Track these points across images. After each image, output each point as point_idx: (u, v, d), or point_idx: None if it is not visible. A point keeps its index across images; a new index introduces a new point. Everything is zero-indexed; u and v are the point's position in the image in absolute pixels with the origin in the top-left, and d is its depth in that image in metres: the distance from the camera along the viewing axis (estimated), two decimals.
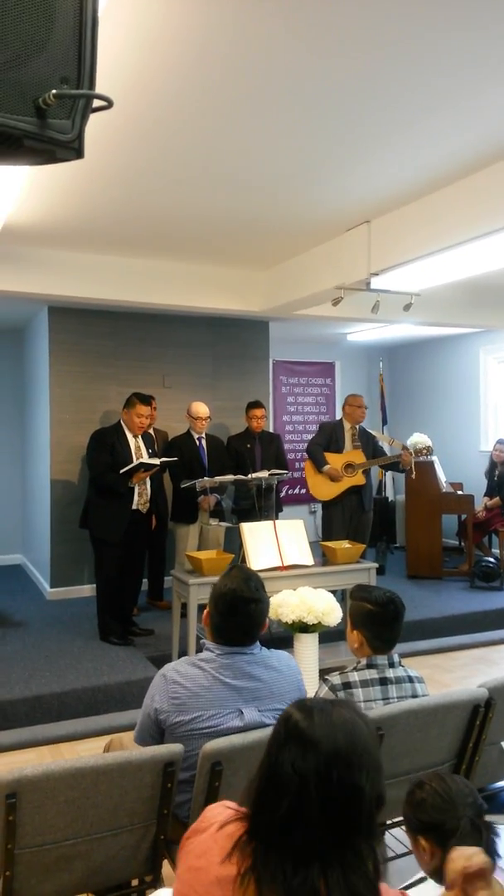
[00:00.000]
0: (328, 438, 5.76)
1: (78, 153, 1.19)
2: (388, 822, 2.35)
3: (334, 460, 5.67)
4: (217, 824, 1.17)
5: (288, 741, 1.10)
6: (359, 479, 5.64)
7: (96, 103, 1.20)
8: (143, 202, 4.12)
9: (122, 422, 4.95)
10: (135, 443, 4.91)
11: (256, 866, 1.07)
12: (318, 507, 5.86)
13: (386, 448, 5.97)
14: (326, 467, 5.63)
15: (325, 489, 5.69)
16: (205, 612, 2.16)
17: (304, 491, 6.78)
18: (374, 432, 6.09)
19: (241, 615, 2.04)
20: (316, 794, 1.05)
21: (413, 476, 5.78)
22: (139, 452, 4.89)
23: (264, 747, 1.15)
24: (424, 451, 5.64)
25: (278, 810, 1.07)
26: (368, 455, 5.70)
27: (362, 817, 1.07)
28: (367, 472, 5.73)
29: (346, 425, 5.80)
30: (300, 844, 1.05)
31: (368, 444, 5.79)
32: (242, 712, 2.00)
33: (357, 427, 5.81)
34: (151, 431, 5.66)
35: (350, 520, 5.68)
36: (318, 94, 2.83)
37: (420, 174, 3.74)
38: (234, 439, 6.02)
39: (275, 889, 1.04)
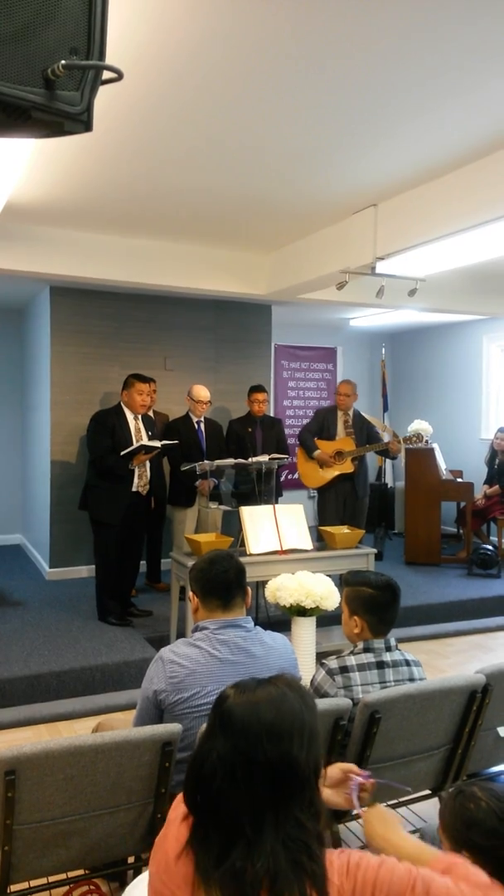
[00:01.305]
0: (320, 425, 5.79)
1: (87, 126, 1.17)
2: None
3: (325, 447, 5.69)
4: (181, 815, 1.18)
5: (218, 728, 1.13)
6: (347, 466, 5.67)
7: (106, 75, 1.18)
8: (148, 181, 4.08)
9: (122, 403, 4.94)
10: (135, 424, 4.90)
11: (192, 841, 1.11)
12: (317, 493, 5.86)
13: (380, 435, 5.99)
14: (317, 453, 5.66)
15: (314, 476, 5.71)
16: (191, 605, 2.22)
17: None
18: (370, 418, 6.11)
19: (220, 563, 2.17)
20: (242, 775, 1.08)
21: (398, 459, 5.82)
22: (139, 434, 4.88)
23: None
24: (414, 439, 5.70)
25: (209, 792, 1.09)
26: (362, 441, 5.73)
27: (298, 785, 1.09)
28: (358, 460, 5.74)
29: (339, 412, 5.84)
30: (231, 821, 1.07)
31: (363, 431, 5.82)
32: None
33: (351, 414, 5.83)
34: (151, 413, 5.66)
35: (344, 506, 5.71)
36: (328, 76, 2.79)
37: (428, 158, 3.69)
38: (236, 423, 6.02)
39: (208, 864, 1.07)
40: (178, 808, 1.20)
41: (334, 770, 1.60)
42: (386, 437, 5.87)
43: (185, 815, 1.15)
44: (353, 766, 1.61)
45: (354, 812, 1.54)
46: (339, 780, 1.59)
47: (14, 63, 1.09)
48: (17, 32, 1.10)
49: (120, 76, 1.16)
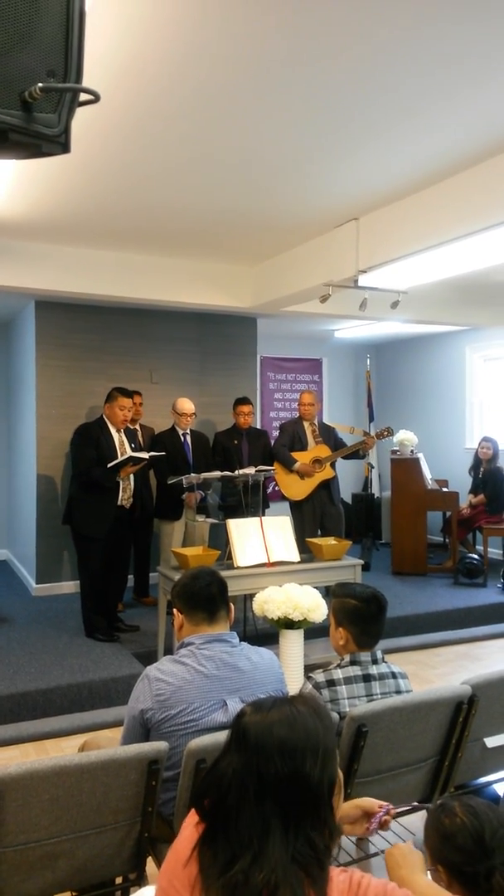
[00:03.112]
0: (291, 438, 5.85)
1: (64, 147, 1.17)
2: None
3: (302, 458, 5.74)
4: (195, 820, 1.20)
5: (231, 745, 1.16)
6: (328, 472, 5.76)
7: (83, 97, 1.19)
8: (131, 196, 4.09)
9: (104, 416, 4.93)
10: (118, 437, 4.89)
11: (199, 847, 1.13)
12: (291, 506, 5.88)
13: (347, 438, 6.07)
14: (297, 465, 5.69)
15: (297, 488, 5.74)
16: (175, 621, 2.23)
17: None
18: (332, 424, 6.20)
19: (203, 577, 2.20)
20: (254, 791, 1.10)
21: (368, 462, 5.88)
22: (123, 447, 4.87)
23: None
24: (385, 433, 5.83)
25: (223, 805, 1.12)
26: (331, 448, 5.78)
27: (310, 803, 1.10)
28: (334, 465, 5.81)
29: (305, 423, 5.91)
30: (241, 834, 1.09)
31: (330, 437, 5.91)
32: (227, 703, 2.01)
33: (316, 423, 5.93)
34: (138, 427, 5.65)
35: (323, 515, 5.75)
36: (308, 91, 2.82)
37: (408, 172, 3.74)
38: (222, 435, 6.02)
39: (213, 871, 1.09)
40: (195, 814, 1.22)
41: (351, 808, 1.59)
42: (355, 439, 5.96)
43: (198, 821, 1.18)
44: (370, 804, 1.58)
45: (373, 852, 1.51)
46: (356, 818, 1.58)
47: None
48: None
49: (97, 98, 1.17)
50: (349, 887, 1.11)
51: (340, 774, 1.24)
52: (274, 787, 1.10)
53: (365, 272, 4.55)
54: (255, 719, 1.16)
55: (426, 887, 1.30)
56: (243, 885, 1.05)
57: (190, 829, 1.19)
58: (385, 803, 1.57)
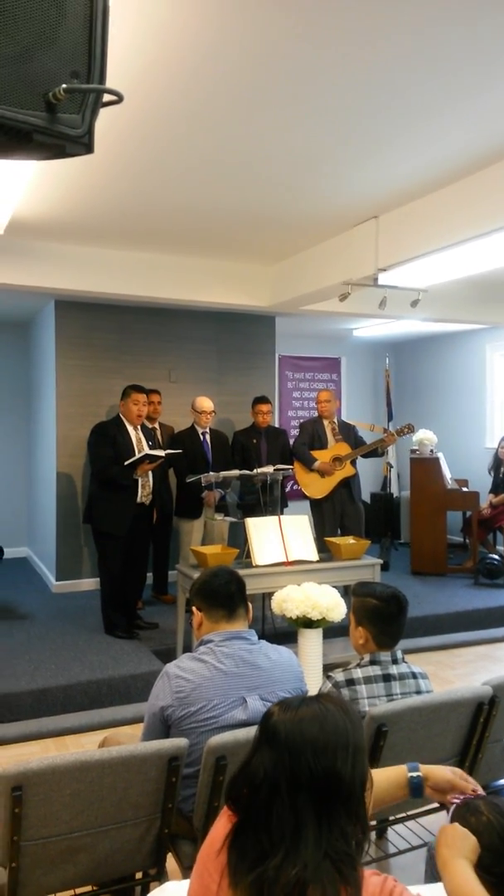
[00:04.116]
0: (311, 436, 5.84)
1: (88, 148, 1.18)
2: (392, 818, 2.36)
3: (321, 456, 5.73)
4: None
5: (261, 743, 1.17)
6: (349, 470, 5.73)
7: (106, 98, 1.19)
8: (151, 196, 4.11)
9: (120, 415, 4.96)
10: (135, 434, 4.92)
11: (230, 841, 1.14)
12: (311, 505, 5.87)
13: (367, 435, 6.02)
14: (317, 464, 5.68)
15: (318, 486, 5.72)
16: (194, 620, 2.23)
17: None
18: (351, 422, 6.16)
19: (222, 576, 2.22)
20: (287, 789, 1.10)
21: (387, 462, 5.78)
22: (140, 444, 4.90)
23: None
24: (406, 430, 5.76)
25: (255, 800, 1.13)
26: (351, 446, 5.75)
27: (342, 800, 1.11)
28: (354, 463, 5.78)
29: (325, 421, 5.89)
30: (273, 831, 1.10)
31: (350, 435, 5.88)
32: (246, 701, 2.02)
33: (336, 421, 5.89)
34: (157, 426, 5.68)
35: (343, 513, 5.72)
36: (327, 90, 2.81)
37: (428, 170, 3.72)
38: (241, 434, 6.03)
39: (242, 867, 1.10)
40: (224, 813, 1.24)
41: (445, 773, 1.57)
42: (375, 436, 5.92)
43: (223, 835, 1.18)
44: (463, 785, 1.55)
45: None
46: (442, 788, 1.56)
47: (15, 87, 1.11)
48: (18, 56, 1.11)
49: (120, 99, 1.17)
50: (381, 891, 1.11)
51: (371, 771, 1.24)
52: (307, 784, 1.10)
53: (384, 270, 4.53)
54: (285, 718, 1.16)
55: (460, 876, 1.27)
56: (273, 881, 1.06)
57: (224, 819, 1.21)
58: (477, 788, 1.54)
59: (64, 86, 1.12)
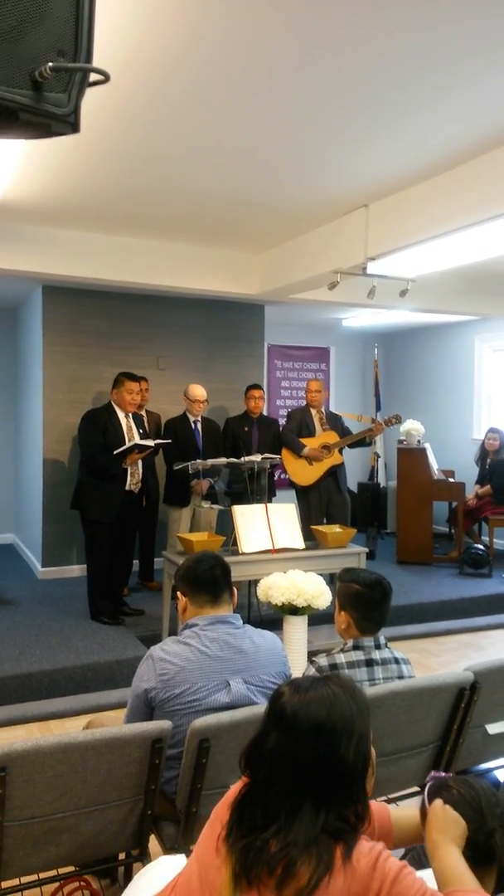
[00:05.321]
0: (298, 425, 5.87)
1: (74, 127, 1.18)
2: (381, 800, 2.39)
3: (310, 444, 5.76)
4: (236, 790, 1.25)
5: (271, 722, 1.19)
6: (337, 458, 5.78)
7: (93, 77, 1.19)
8: (140, 180, 4.08)
9: (112, 402, 4.94)
10: (126, 422, 4.91)
11: (232, 810, 1.18)
12: (297, 494, 5.90)
13: (354, 426, 6.08)
14: (306, 450, 5.71)
15: (306, 473, 5.76)
16: (179, 604, 2.25)
17: None
18: (338, 412, 6.20)
19: (207, 561, 2.23)
20: (288, 769, 1.13)
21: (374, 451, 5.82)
22: (131, 432, 4.89)
23: (251, 725, 1.22)
24: (394, 420, 5.83)
25: (258, 774, 1.16)
26: (339, 435, 5.81)
27: (343, 783, 1.14)
28: (341, 452, 5.83)
29: (313, 410, 5.93)
30: (271, 806, 1.13)
31: (337, 425, 5.93)
32: (230, 684, 2.04)
33: (323, 411, 5.94)
34: (144, 413, 5.66)
35: (329, 502, 5.76)
36: (319, 76, 2.80)
37: (419, 159, 3.72)
38: (233, 421, 6.05)
39: (237, 834, 1.14)
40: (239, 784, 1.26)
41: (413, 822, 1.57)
42: (363, 426, 5.96)
43: (236, 792, 1.22)
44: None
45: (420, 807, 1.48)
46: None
47: (2, 65, 1.10)
48: (4, 35, 1.10)
49: (107, 78, 1.17)
50: (369, 852, 1.13)
51: (374, 755, 1.26)
52: (308, 766, 1.13)
53: (374, 259, 4.53)
54: (293, 700, 1.18)
55: (448, 860, 1.29)
56: (259, 851, 1.09)
57: (233, 795, 1.24)
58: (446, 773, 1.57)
59: (50, 64, 1.11)
